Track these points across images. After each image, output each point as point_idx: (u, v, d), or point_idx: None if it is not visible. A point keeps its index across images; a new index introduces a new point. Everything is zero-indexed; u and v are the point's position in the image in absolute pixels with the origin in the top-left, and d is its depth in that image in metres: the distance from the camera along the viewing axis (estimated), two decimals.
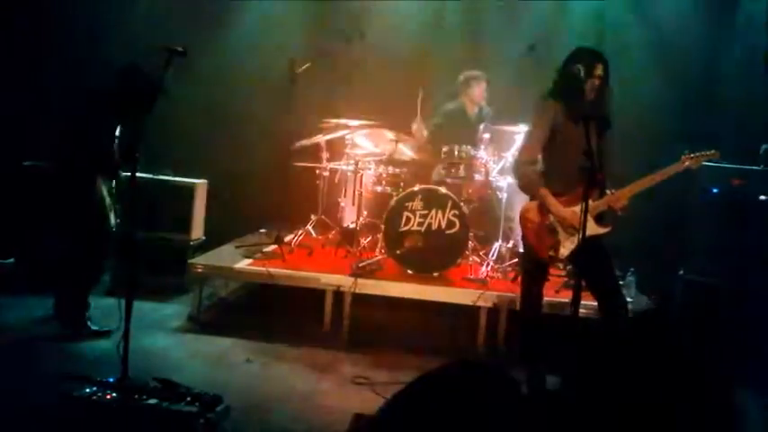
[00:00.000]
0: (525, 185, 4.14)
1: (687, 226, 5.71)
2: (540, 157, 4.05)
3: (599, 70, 3.90)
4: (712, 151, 4.00)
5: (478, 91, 6.40)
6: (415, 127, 6.31)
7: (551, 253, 3.97)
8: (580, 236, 3.47)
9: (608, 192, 3.97)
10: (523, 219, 4.05)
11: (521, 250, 5.74)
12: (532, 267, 4.19)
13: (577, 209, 3.71)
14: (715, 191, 5.50)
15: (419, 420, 1.37)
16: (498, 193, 5.93)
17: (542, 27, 6.50)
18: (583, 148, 3.59)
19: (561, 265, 5.27)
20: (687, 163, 3.96)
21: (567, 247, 3.93)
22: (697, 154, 3.96)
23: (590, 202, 3.63)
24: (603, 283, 4.00)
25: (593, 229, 3.79)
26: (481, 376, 1.41)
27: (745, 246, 5.36)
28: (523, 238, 4.13)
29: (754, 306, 5.20)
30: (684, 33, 6.96)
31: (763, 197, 5.34)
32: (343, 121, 6.07)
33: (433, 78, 7.04)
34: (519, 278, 5.38)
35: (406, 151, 6.10)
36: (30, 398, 3.64)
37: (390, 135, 5.98)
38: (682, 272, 5.58)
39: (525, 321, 4.32)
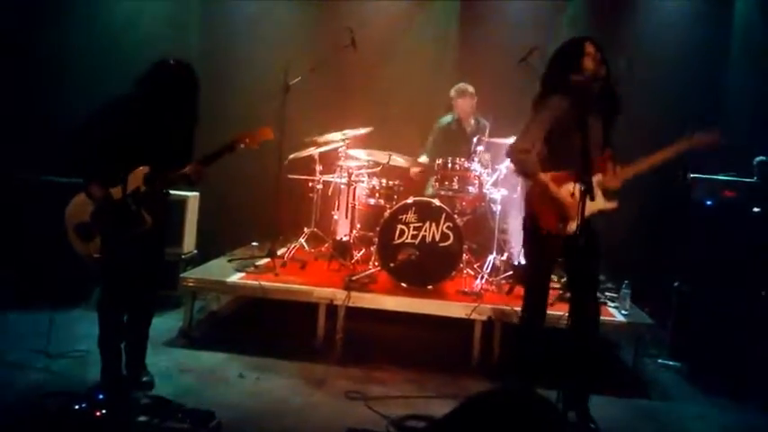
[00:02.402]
0: (522, 171, 4.08)
1: (681, 238, 5.70)
2: (533, 147, 3.93)
3: (589, 48, 3.84)
4: (713, 131, 3.93)
5: (463, 104, 6.46)
6: (416, 170, 6.42)
7: (560, 225, 3.84)
8: (580, 217, 3.42)
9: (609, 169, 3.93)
10: (531, 194, 3.95)
11: (515, 263, 5.77)
12: (539, 267, 4.05)
13: (570, 187, 3.70)
14: (708, 203, 5.50)
15: None
16: (492, 205, 5.92)
17: (537, 38, 6.52)
18: (581, 145, 3.54)
19: (556, 278, 5.26)
20: (688, 142, 3.90)
21: (575, 220, 3.71)
22: (698, 133, 3.91)
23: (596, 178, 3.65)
24: (581, 281, 3.97)
25: (599, 203, 3.77)
26: (525, 404, 1.39)
27: (740, 258, 5.36)
28: (531, 219, 3.97)
29: (750, 316, 5.20)
30: (675, 43, 7.03)
31: (756, 209, 5.35)
32: (335, 134, 6.05)
33: (429, 90, 7.08)
34: (514, 290, 5.39)
35: (400, 161, 6.08)
36: (15, 415, 3.58)
37: (383, 155, 5.97)
38: (676, 284, 5.58)
39: (524, 329, 4.21)
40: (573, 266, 4.07)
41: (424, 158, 6.53)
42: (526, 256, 4.32)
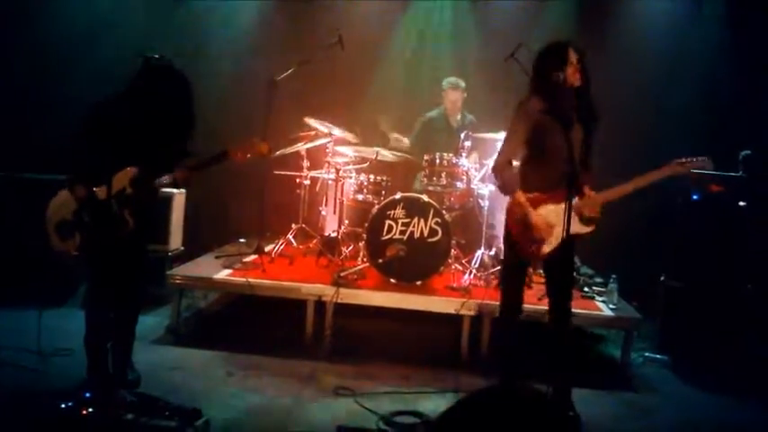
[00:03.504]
0: (502, 187, 4.12)
1: (668, 232, 5.73)
2: (518, 157, 4.02)
3: (572, 57, 3.81)
4: (703, 158, 3.87)
5: (453, 96, 6.46)
6: (393, 141, 6.37)
7: (533, 249, 3.91)
8: (564, 235, 3.48)
9: (587, 193, 3.93)
10: (510, 212, 3.98)
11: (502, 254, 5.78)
12: (513, 264, 4.12)
13: (544, 212, 3.82)
14: (695, 197, 5.53)
15: None
16: (480, 200, 5.92)
17: (524, 32, 6.54)
18: (565, 148, 3.62)
19: (542, 272, 5.27)
20: (675, 168, 3.87)
21: (550, 243, 3.87)
22: (685, 160, 3.87)
23: (563, 204, 3.66)
24: (559, 289, 4.01)
25: (575, 227, 3.78)
26: (522, 401, 1.39)
27: (726, 252, 5.40)
28: (507, 232, 4.03)
29: (736, 310, 5.24)
30: (666, 41, 7.06)
31: (742, 203, 5.39)
32: (323, 127, 6.03)
33: (416, 85, 7.08)
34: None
35: (388, 155, 6.07)
36: (1, 414, 3.54)
37: (370, 151, 5.97)
38: (663, 278, 5.61)
39: (502, 323, 4.27)
40: (548, 273, 4.11)
41: (407, 141, 6.51)
42: (503, 259, 4.35)
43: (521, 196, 3.88)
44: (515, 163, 4.07)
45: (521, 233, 3.91)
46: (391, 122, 6.53)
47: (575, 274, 3.98)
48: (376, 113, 6.60)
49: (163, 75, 3.90)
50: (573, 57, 3.81)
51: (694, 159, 3.87)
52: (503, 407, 1.36)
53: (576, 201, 3.82)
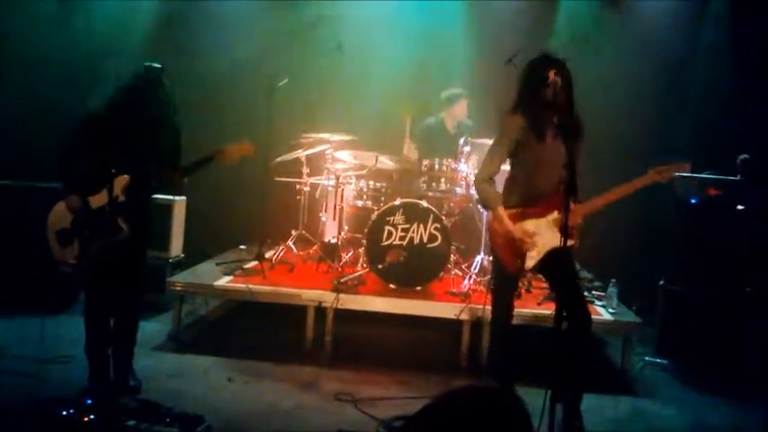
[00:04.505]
0: (482, 202, 4.18)
1: (667, 236, 5.74)
2: (498, 172, 4.05)
3: (553, 75, 3.80)
4: (682, 163, 3.85)
5: (459, 109, 6.45)
6: (406, 149, 6.40)
7: (518, 264, 3.93)
8: (562, 244, 3.45)
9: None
10: (491, 229, 4.02)
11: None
12: (501, 277, 4.14)
13: (526, 226, 3.85)
14: (694, 201, 5.55)
15: None
16: (479, 206, 5.92)
17: (523, 38, 6.54)
18: (546, 162, 3.72)
19: (540, 278, 5.28)
20: (654, 176, 3.85)
21: (533, 258, 3.90)
22: (665, 166, 3.85)
23: (552, 215, 3.80)
24: (567, 297, 3.91)
25: (554, 241, 3.74)
26: (490, 402, 1.40)
27: (724, 256, 5.41)
28: (492, 248, 4.08)
29: (735, 313, 5.24)
30: (659, 42, 7.07)
31: (740, 207, 5.39)
32: (323, 135, 6.06)
33: (415, 93, 7.07)
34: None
35: (387, 163, 6.09)
36: (3, 421, 3.55)
37: (370, 157, 5.98)
38: (662, 282, 5.62)
39: (494, 333, 4.33)
40: (555, 284, 4.11)
41: (414, 153, 6.48)
42: (492, 271, 4.35)
43: (501, 211, 3.91)
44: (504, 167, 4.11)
45: (503, 247, 3.93)
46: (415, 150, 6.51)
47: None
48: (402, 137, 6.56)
49: (140, 79, 3.98)
50: (553, 75, 3.79)
51: (671, 165, 3.85)
52: (470, 409, 1.38)
53: (555, 215, 3.85)
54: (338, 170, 6.12)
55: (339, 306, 5.06)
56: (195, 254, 6.32)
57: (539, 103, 3.82)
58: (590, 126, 4.01)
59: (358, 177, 6.07)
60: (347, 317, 5.17)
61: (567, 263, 3.96)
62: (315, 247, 6.26)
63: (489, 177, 4.00)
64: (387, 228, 5.35)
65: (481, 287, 5.51)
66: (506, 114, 3.99)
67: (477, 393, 1.41)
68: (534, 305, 5.19)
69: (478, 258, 5.80)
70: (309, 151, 6.21)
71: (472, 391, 1.42)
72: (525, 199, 3.95)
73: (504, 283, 4.15)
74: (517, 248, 3.87)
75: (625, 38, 7.15)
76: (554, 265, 3.89)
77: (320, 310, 5.10)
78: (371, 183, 5.97)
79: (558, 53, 3.93)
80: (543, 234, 3.87)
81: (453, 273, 5.67)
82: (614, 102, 6.84)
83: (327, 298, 5.09)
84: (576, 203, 3.75)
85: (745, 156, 5.56)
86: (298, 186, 6.46)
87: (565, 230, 3.35)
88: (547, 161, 3.85)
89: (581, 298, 4.04)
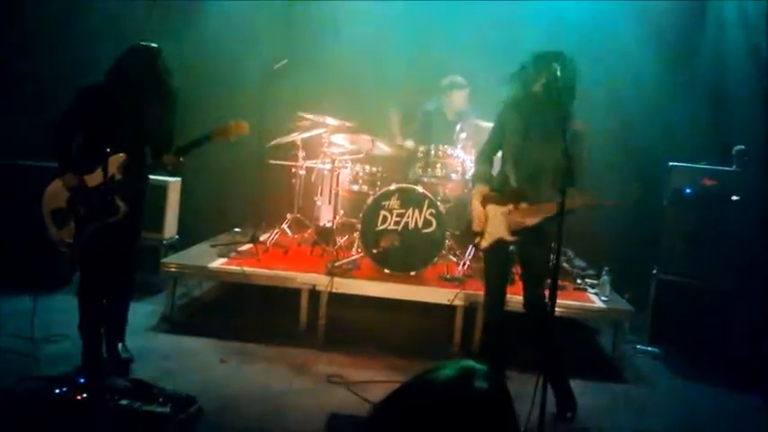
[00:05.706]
0: (471, 178, 4.35)
1: (661, 226, 5.76)
2: (493, 155, 4.23)
3: (545, 74, 3.79)
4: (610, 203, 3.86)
5: (459, 99, 6.38)
6: (404, 142, 6.40)
7: (476, 240, 4.14)
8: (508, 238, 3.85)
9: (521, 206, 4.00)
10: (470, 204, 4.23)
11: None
12: (483, 257, 4.32)
13: (487, 209, 4.06)
14: (688, 191, 5.56)
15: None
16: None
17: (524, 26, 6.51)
18: (524, 159, 3.94)
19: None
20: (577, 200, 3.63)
21: (486, 240, 4.10)
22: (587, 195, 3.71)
23: (508, 208, 3.99)
24: (527, 276, 4.16)
25: (501, 233, 4.02)
26: (469, 381, 1.40)
27: (717, 245, 5.44)
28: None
29: (727, 302, 5.28)
30: (654, 40, 7.03)
31: (735, 197, 5.41)
32: (319, 117, 6.03)
33: (411, 78, 7.03)
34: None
35: (383, 148, 6.07)
36: None
37: (366, 141, 5.96)
38: (655, 271, 5.64)
39: (485, 317, 4.44)
40: (521, 266, 4.28)
41: (409, 143, 6.47)
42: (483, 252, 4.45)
43: (476, 189, 4.14)
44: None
45: (474, 223, 4.14)
46: (400, 122, 6.47)
47: (548, 264, 3.99)
48: (387, 107, 6.54)
49: (128, 53, 3.96)
50: (546, 73, 3.79)
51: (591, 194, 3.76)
52: (446, 392, 1.38)
53: (510, 208, 4.00)
54: (334, 154, 6.10)
55: (333, 290, 5.07)
56: (189, 235, 6.32)
57: (530, 97, 3.91)
58: (593, 126, 4.10)
59: (354, 161, 6.06)
60: (341, 300, 5.19)
61: (536, 247, 4.02)
62: (310, 231, 6.26)
63: (487, 157, 4.21)
64: (382, 212, 5.35)
65: (475, 273, 5.52)
66: (505, 103, 4.11)
67: (446, 379, 1.40)
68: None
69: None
70: (305, 134, 6.18)
71: (441, 377, 1.41)
72: (502, 186, 4.11)
73: (487, 262, 4.26)
74: (481, 224, 4.10)
75: (630, 33, 7.10)
76: (501, 253, 4.14)
77: (314, 294, 5.11)
78: (367, 167, 5.97)
79: (557, 52, 3.91)
80: (493, 222, 4.05)
81: (448, 258, 5.67)
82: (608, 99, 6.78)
83: (322, 281, 5.10)
84: (531, 205, 3.93)
85: (741, 147, 5.58)
86: (293, 170, 6.44)
87: (560, 226, 3.36)
88: (524, 158, 3.98)
89: (530, 286, 4.14)
